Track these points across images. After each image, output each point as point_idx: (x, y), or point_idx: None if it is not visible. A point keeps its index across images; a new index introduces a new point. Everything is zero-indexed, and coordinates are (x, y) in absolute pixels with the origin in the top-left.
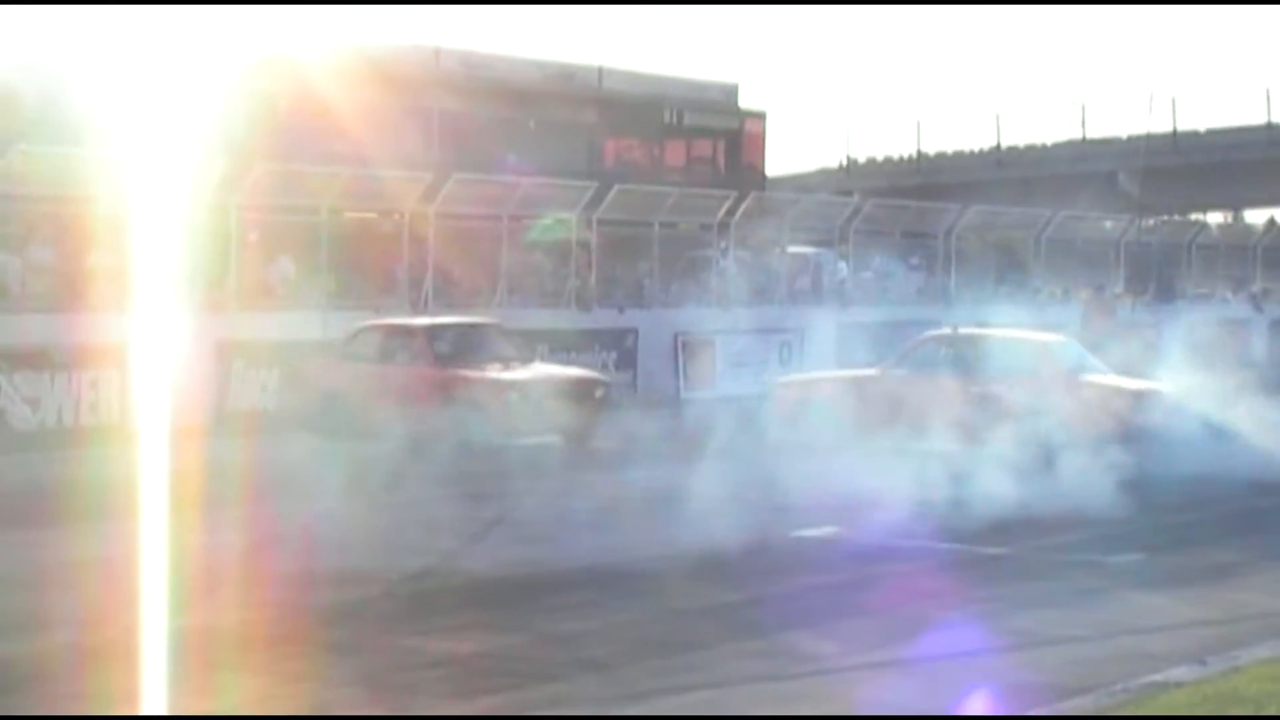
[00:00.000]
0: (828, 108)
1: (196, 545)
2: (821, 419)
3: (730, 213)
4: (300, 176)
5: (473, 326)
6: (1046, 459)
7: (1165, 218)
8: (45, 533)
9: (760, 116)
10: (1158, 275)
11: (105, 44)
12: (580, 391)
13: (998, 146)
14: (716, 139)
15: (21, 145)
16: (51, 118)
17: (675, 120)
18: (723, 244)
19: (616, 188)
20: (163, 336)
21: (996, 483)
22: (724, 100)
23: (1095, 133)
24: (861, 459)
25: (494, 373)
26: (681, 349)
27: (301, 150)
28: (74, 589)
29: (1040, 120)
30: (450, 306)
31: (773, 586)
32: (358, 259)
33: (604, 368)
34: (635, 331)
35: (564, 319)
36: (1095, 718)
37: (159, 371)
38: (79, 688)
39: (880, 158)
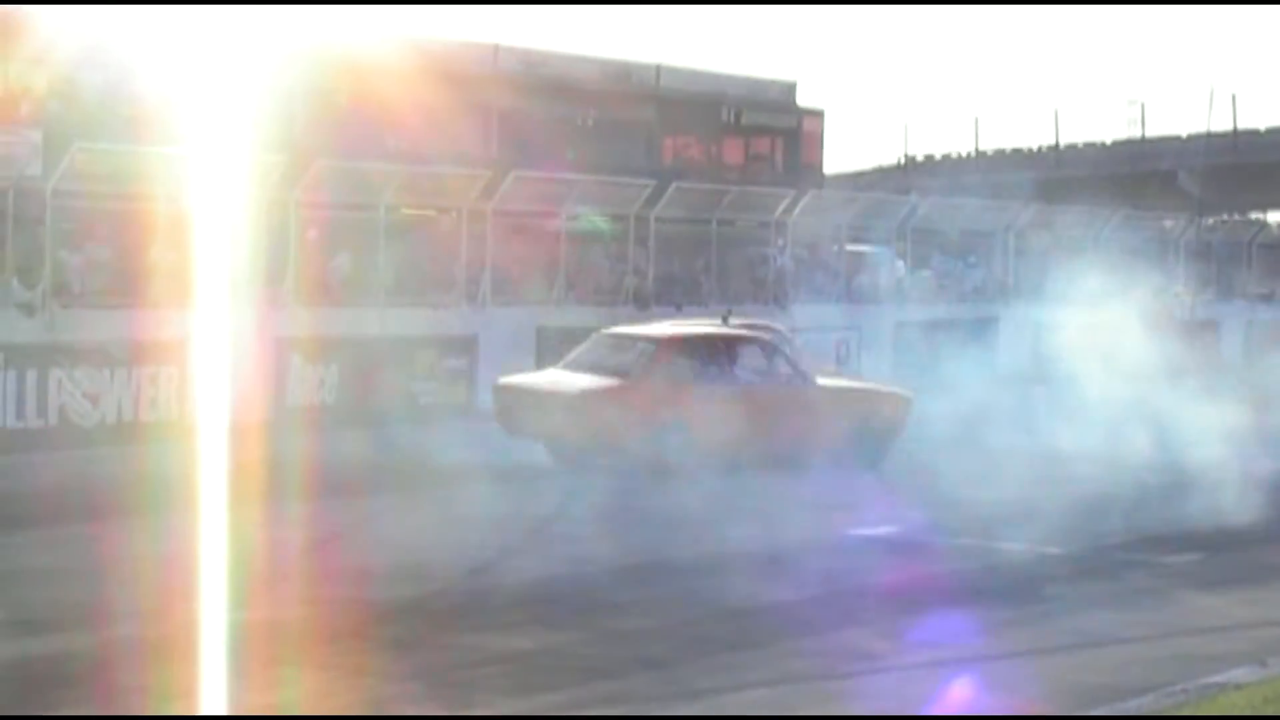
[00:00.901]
0: (886, 106)
1: (256, 540)
2: None
3: (788, 210)
4: (359, 173)
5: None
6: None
7: (1225, 217)
8: (106, 527)
9: (818, 114)
10: (1217, 275)
11: (165, 40)
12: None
13: (1056, 145)
14: (774, 137)
15: (81, 142)
16: (112, 114)
17: (733, 118)
18: (780, 242)
19: (674, 185)
20: (222, 333)
21: None
22: (782, 98)
23: (1155, 131)
24: None
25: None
26: None
27: (360, 146)
28: (135, 583)
29: (1099, 118)
30: (508, 304)
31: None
32: (415, 255)
33: None
34: None
35: (622, 317)
36: (1155, 718)
37: (218, 367)
38: (140, 680)
39: (938, 155)
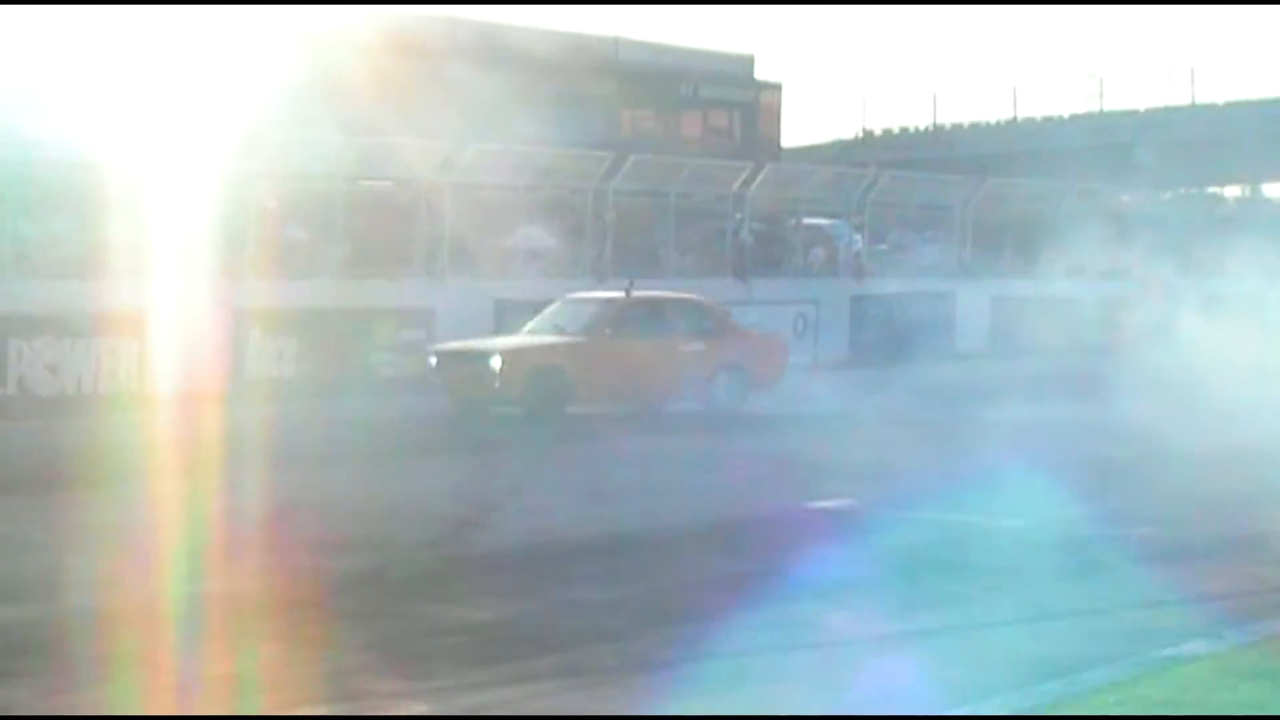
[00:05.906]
0: (844, 79)
1: (215, 511)
2: None
3: (746, 184)
4: (317, 145)
5: None
6: None
7: (1183, 190)
8: (64, 497)
9: (776, 88)
10: (1176, 249)
11: (131, 10)
12: None
13: (1014, 119)
14: (732, 110)
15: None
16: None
17: (691, 91)
18: (738, 215)
19: (633, 158)
20: (180, 303)
21: None
22: (740, 72)
23: (1113, 105)
24: None
25: None
26: None
27: (319, 119)
28: (94, 553)
29: (1057, 92)
30: (468, 277)
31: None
32: (374, 228)
33: None
34: None
35: (580, 289)
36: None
37: (177, 338)
38: (96, 651)
39: (896, 129)
